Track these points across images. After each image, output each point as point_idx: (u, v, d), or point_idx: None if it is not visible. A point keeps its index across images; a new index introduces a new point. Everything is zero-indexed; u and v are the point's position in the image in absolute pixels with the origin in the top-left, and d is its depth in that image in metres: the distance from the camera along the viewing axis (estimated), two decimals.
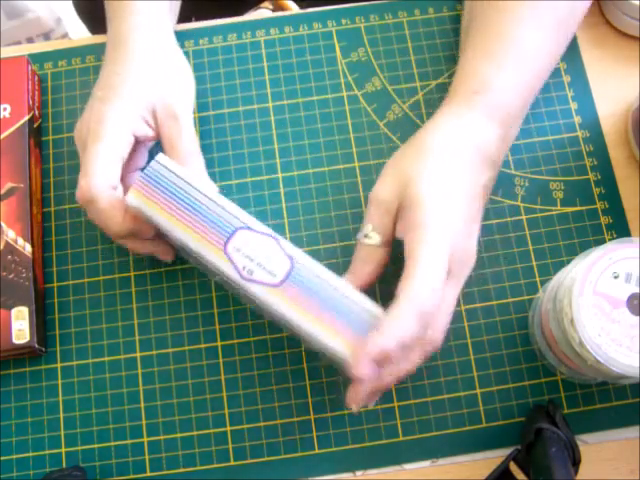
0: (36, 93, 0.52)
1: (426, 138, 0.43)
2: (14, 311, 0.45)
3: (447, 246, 0.39)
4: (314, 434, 0.45)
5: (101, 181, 0.43)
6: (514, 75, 0.44)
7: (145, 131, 0.45)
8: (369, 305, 0.39)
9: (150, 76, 0.46)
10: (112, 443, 0.45)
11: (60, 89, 0.53)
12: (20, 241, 0.46)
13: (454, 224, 0.40)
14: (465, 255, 0.41)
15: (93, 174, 0.43)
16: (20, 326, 0.45)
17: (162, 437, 0.45)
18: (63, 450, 0.45)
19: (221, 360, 0.46)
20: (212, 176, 0.50)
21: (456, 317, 0.46)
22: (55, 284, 0.48)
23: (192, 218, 0.40)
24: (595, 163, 0.50)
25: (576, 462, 0.40)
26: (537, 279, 0.47)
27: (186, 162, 0.44)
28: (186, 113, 0.46)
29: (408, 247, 0.39)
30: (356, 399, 0.39)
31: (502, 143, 0.44)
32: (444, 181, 0.40)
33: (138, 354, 0.47)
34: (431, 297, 0.37)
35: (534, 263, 0.48)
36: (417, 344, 0.39)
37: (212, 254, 0.40)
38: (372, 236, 0.41)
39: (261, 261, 0.40)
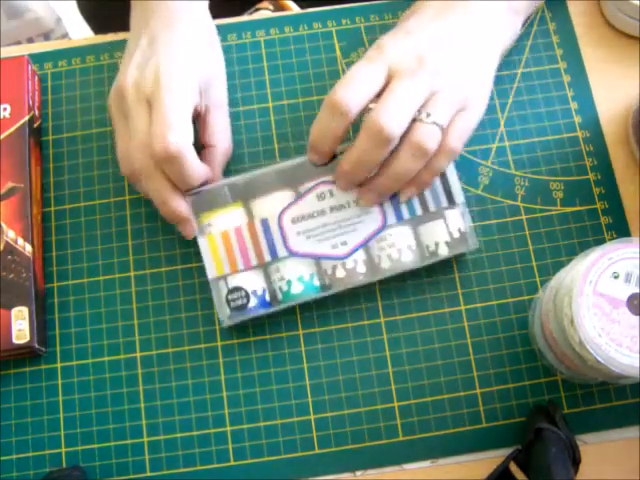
0: (36, 93, 0.52)
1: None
2: (14, 311, 0.45)
3: (375, 57, 0.42)
4: (314, 434, 0.45)
5: (187, 136, 0.41)
6: None
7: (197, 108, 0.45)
8: None
9: (206, 61, 0.46)
10: (112, 443, 0.45)
11: (60, 89, 0.53)
12: (20, 241, 0.46)
13: (395, 39, 0.44)
14: (414, 62, 0.42)
15: (178, 127, 0.40)
16: (20, 326, 0.45)
17: (162, 437, 0.45)
18: (63, 450, 0.45)
19: (221, 360, 0.46)
20: None
21: (456, 317, 0.47)
22: (55, 284, 0.48)
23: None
24: (595, 163, 0.50)
25: (576, 462, 0.40)
26: (537, 279, 0.47)
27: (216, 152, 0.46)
28: (225, 104, 0.49)
29: None
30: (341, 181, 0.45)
31: None
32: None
33: (138, 354, 0.47)
34: (341, 92, 0.41)
35: (534, 263, 0.48)
36: (363, 131, 0.42)
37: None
38: None
39: None
